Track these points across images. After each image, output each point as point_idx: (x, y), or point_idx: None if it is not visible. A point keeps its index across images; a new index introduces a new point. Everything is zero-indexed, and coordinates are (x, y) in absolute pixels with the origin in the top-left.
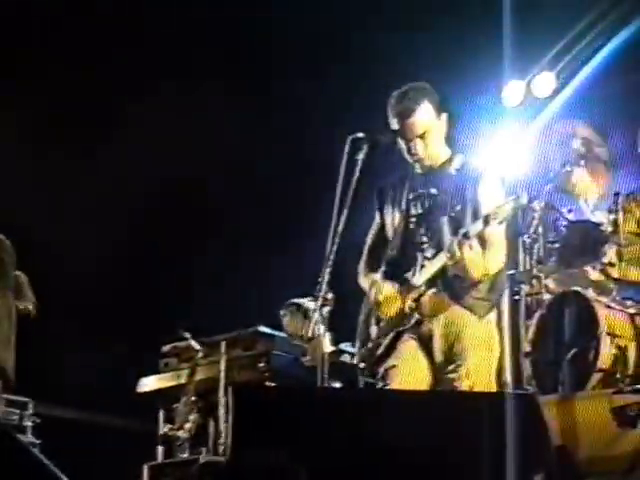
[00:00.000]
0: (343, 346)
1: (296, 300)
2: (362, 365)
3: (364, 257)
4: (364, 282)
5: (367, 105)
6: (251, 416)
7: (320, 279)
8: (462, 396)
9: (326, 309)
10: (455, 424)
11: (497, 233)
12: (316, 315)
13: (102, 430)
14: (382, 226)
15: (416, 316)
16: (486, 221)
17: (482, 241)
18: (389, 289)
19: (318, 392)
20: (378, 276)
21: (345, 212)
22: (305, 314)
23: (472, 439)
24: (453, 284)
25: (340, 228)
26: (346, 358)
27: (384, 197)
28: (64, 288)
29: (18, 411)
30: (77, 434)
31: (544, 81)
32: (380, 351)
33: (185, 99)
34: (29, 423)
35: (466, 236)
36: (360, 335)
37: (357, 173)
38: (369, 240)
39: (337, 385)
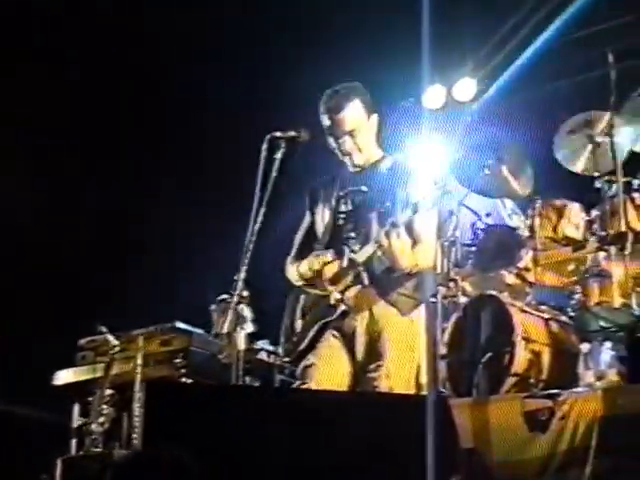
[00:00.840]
0: (261, 344)
1: (224, 296)
2: (287, 359)
3: (293, 252)
4: (291, 274)
5: (286, 105)
6: (162, 412)
7: (236, 277)
8: (380, 398)
9: (242, 306)
10: (371, 426)
11: (427, 228)
12: (231, 312)
13: (16, 422)
14: (312, 224)
15: (342, 308)
16: (414, 209)
17: (411, 231)
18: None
19: (230, 390)
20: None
21: (262, 210)
22: (224, 311)
23: (389, 442)
24: (380, 279)
25: (257, 226)
26: (263, 356)
27: (315, 196)
28: None
29: None
30: None
31: (465, 86)
32: (303, 345)
33: None
34: None
35: (394, 225)
36: (285, 329)
37: (275, 172)
38: (299, 236)
39: (254, 383)
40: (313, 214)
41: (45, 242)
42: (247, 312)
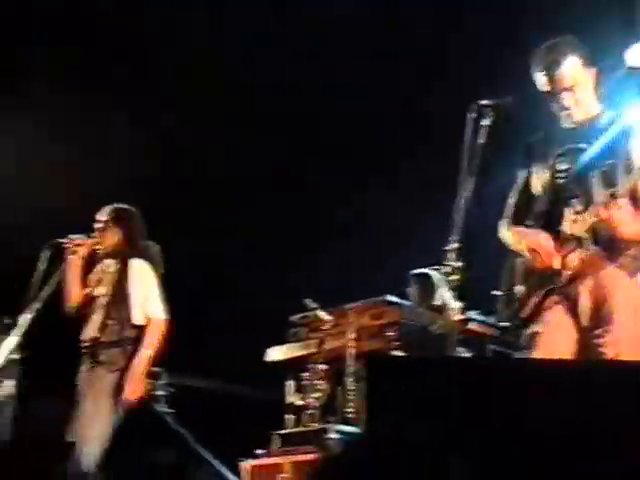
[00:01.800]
0: (471, 314)
1: (422, 270)
2: (507, 326)
3: (508, 213)
4: (507, 237)
5: (492, 72)
6: (385, 386)
7: (448, 248)
8: (611, 366)
9: (455, 277)
10: (601, 396)
11: None
12: (444, 284)
13: (232, 399)
14: (528, 182)
15: (567, 274)
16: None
17: (635, 199)
18: (542, 240)
19: (455, 362)
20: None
21: (472, 179)
22: (431, 284)
23: (621, 414)
24: (604, 242)
25: (467, 195)
26: (474, 326)
27: (532, 153)
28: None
29: (151, 381)
30: (207, 403)
31: None
32: (526, 313)
33: None
34: (162, 393)
35: (613, 196)
36: (504, 296)
37: (483, 140)
38: (514, 196)
39: (465, 354)
40: (529, 172)
41: (256, 220)
42: (457, 283)
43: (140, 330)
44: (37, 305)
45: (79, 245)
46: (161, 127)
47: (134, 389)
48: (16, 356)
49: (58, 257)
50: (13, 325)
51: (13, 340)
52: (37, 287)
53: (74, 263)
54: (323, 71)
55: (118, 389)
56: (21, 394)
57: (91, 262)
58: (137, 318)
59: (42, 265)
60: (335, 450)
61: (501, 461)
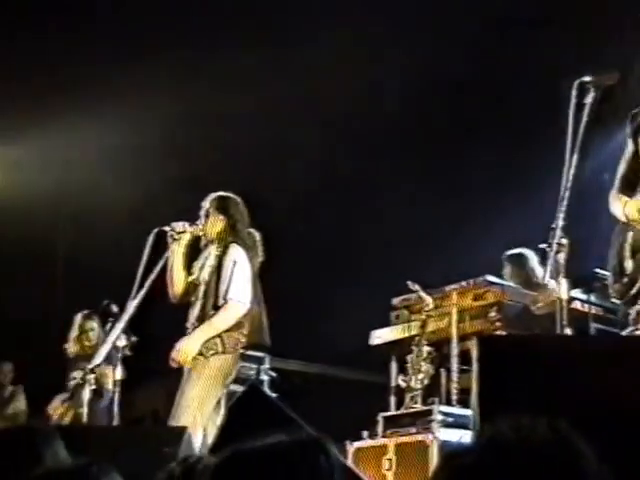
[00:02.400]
0: (573, 293)
1: (516, 250)
2: (617, 302)
3: (617, 184)
4: (617, 209)
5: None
6: (500, 369)
7: (554, 225)
8: None
9: (561, 255)
10: None
11: None
12: (551, 262)
13: (336, 382)
14: (636, 152)
15: None
16: None
17: None
18: None
19: (568, 341)
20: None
21: (575, 156)
22: (522, 264)
23: None
24: None
25: (572, 172)
26: (577, 305)
27: (638, 123)
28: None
29: (255, 366)
30: (311, 387)
31: None
32: (635, 289)
33: None
34: (265, 377)
35: None
36: (613, 270)
37: (586, 117)
38: (622, 167)
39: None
40: (637, 141)
41: (358, 204)
42: (564, 261)
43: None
44: (142, 292)
45: (181, 233)
46: None
47: (182, 350)
48: (123, 342)
49: (162, 244)
50: (120, 312)
51: (120, 327)
52: (142, 274)
53: (178, 251)
54: None
55: (220, 375)
56: (128, 379)
57: (197, 249)
58: (221, 301)
59: (146, 252)
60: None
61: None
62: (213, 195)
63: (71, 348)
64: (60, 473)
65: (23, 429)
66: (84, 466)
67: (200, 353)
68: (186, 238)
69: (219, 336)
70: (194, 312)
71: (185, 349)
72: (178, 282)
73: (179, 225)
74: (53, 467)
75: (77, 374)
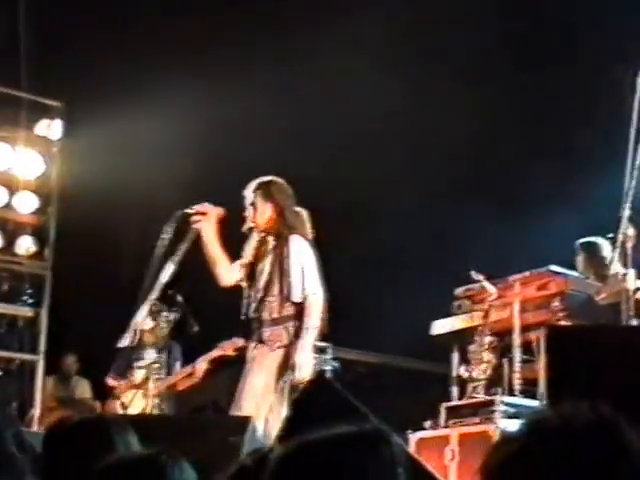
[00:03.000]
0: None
1: (587, 239)
2: None
3: None
4: None
5: None
6: (568, 360)
7: (620, 215)
8: None
9: (628, 245)
10: None
11: None
12: (616, 252)
13: (399, 372)
14: None
15: None
16: None
17: None
18: None
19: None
20: None
21: None
22: (595, 252)
23: None
24: None
25: (638, 162)
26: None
27: None
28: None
29: (318, 356)
30: (374, 377)
31: None
32: None
33: None
34: (328, 367)
35: None
36: None
37: None
38: None
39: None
40: None
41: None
42: (631, 250)
43: (299, 307)
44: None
45: (204, 214)
46: None
47: (304, 366)
48: (186, 331)
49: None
50: (185, 302)
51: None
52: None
53: (208, 233)
54: None
55: (284, 367)
56: None
57: (242, 234)
58: (296, 296)
59: (168, 234)
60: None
61: None
62: (255, 183)
63: (137, 337)
64: (131, 462)
65: (95, 419)
66: (154, 455)
67: (262, 342)
68: (210, 220)
69: (284, 327)
70: (253, 302)
71: (304, 366)
72: (223, 266)
73: (203, 206)
74: (124, 456)
75: (141, 364)
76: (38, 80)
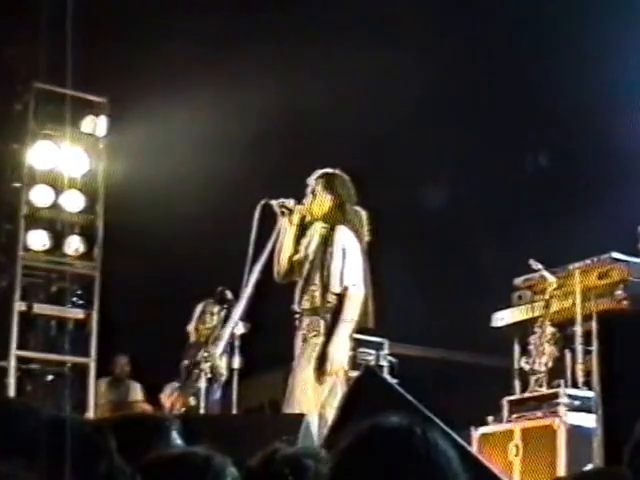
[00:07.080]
0: None
1: None
2: None
3: None
4: None
5: None
6: (621, 348)
7: None
8: None
9: None
10: None
11: None
12: None
13: (459, 366)
14: None
15: None
16: None
17: None
18: None
19: None
20: None
21: None
22: None
23: None
24: None
25: None
26: None
27: None
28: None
29: (374, 351)
30: (434, 371)
31: None
32: None
33: None
34: (385, 363)
35: None
36: None
37: None
38: None
39: None
40: None
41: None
42: None
43: (338, 299)
44: (254, 278)
45: (291, 211)
46: None
47: (335, 358)
48: (241, 330)
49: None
50: (235, 298)
51: (236, 315)
52: (253, 253)
53: (289, 230)
54: None
55: (321, 358)
56: (246, 368)
57: (304, 227)
58: (335, 285)
59: (255, 225)
60: None
61: None
62: (319, 172)
63: (192, 336)
64: (172, 461)
65: (144, 418)
66: (206, 457)
67: (304, 339)
68: (297, 218)
69: (323, 317)
70: (298, 292)
71: (336, 358)
72: (284, 261)
73: (290, 202)
74: (164, 454)
75: (192, 362)
76: (82, 76)
